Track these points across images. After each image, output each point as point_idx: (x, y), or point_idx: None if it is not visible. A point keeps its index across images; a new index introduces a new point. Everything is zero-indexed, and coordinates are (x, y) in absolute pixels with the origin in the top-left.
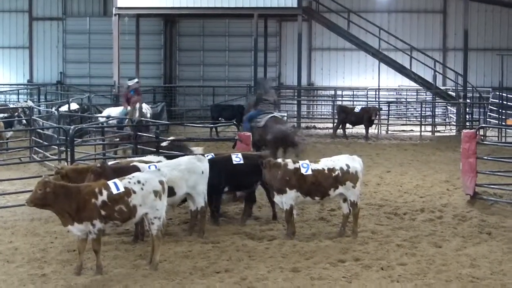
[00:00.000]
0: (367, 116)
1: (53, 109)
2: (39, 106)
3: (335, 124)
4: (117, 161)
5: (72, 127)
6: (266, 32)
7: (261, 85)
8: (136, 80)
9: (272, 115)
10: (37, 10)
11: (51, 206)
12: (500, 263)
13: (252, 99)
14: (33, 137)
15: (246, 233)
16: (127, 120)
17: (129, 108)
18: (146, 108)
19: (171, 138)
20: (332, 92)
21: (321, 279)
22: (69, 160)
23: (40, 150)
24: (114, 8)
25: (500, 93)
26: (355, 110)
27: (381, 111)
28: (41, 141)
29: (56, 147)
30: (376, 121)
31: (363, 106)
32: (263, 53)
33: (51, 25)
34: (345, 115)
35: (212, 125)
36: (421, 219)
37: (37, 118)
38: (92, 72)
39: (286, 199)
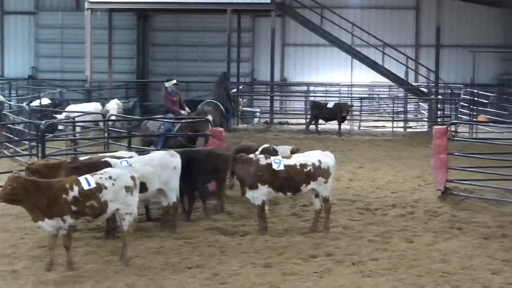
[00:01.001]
0: (340, 112)
1: (24, 104)
2: (10, 100)
3: (308, 119)
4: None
5: (43, 122)
6: (239, 28)
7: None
8: (174, 81)
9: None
10: (9, 4)
11: (22, 202)
12: (470, 258)
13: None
14: (3, 132)
15: (218, 229)
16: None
17: (183, 112)
18: (117, 104)
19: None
20: (305, 88)
21: (293, 275)
22: (40, 155)
23: (10, 146)
24: (86, 3)
25: (472, 90)
26: (328, 106)
27: (353, 107)
28: (11, 136)
29: (27, 142)
30: (348, 117)
31: (336, 101)
32: (237, 49)
33: (23, 19)
34: (318, 111)
35: (185, 121)
36: (393, 215)
37: (8, 113)
38: (64, 67)
39: (258, 194)
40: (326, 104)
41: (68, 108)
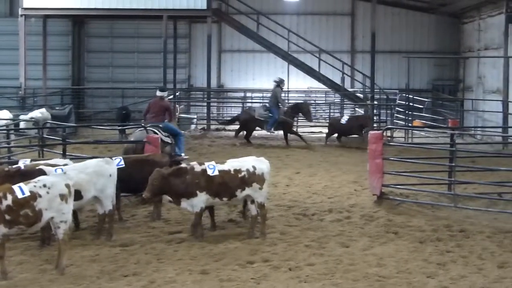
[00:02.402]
0: (357, 125)
1: None
2: None
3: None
4: (22, 164)
5: None
6: (175, 34)
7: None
8: (167, 92)
9: None
10: None
11: None
12: (406, 262)
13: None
14: None
15: (154, 236)
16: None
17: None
18: (41, 112)
19: None
20: (242, 94)
21: (230, 281)
22: None
23: None
24: (20, 9)
25: (407, 95)
26: (341, 122)
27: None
28: None
29: None
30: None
31: (350, 115)
32: (173, 55)
33: None
34: (333, 128)
35: (120, 127)
36: (329, 220)
37: None
38: None
39: (197, 202)
40: (340, 119)
41: None
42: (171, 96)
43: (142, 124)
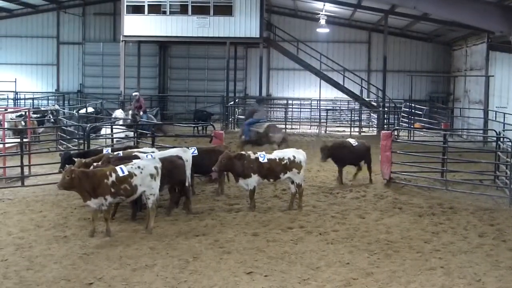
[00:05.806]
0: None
1: (74, 111)
2: (63, 109)
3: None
4: (121, 151)
5: (88, 125)
6: (235, 56)
7: (260, 101)
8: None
9: (269, 123)
10: (63, 36)
11: (76, 188)
12: (408, 230)
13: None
14: (58, 132)
15: (218, 206)
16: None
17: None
18: (121, 112)
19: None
20: (285, 102)
21: (275, 241)
22: (86, 150)
23: (64, 142)
24: (121, 36)
25: (410, 104)
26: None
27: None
28: (64, 135)
29: (76, 140)
30: (316, 123)
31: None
32: (233, 71)
33: (74, 48)
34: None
35: (194, 125)
36: (350, 197)
37: (62, 118)
38: (104, 84)
39: (251, 181)
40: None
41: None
42: (232, 103)
43: (211, 123)
